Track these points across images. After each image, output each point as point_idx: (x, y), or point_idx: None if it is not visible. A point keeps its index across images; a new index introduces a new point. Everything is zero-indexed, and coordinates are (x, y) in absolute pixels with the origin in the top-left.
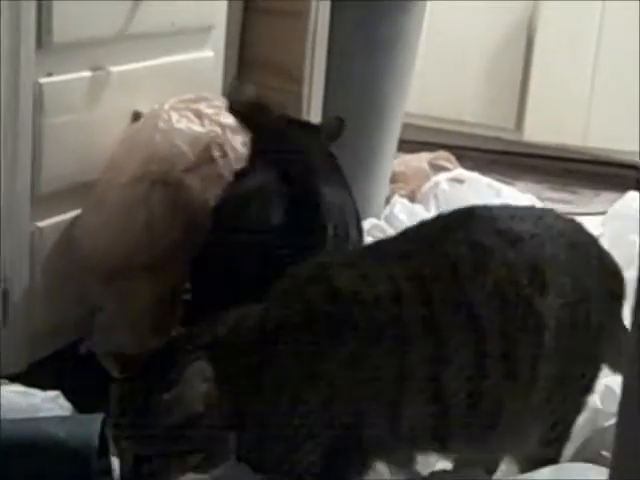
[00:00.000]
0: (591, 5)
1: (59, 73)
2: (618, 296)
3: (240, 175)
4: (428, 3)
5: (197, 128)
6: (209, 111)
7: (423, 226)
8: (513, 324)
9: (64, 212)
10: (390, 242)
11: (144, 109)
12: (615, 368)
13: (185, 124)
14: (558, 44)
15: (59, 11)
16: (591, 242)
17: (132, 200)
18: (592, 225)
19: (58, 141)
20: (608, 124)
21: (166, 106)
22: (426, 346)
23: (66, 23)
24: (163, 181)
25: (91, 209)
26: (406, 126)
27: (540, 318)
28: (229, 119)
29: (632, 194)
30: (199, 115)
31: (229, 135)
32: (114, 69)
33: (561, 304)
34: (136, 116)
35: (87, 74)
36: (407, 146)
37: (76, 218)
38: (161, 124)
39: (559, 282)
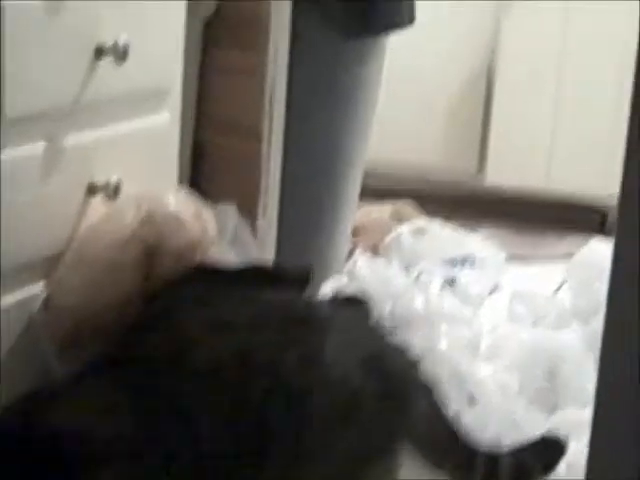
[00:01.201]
0: (551, 47)
1: (13, 147)
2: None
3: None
4: (387, 50)
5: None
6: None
7: None
8: None
9: (23, 288)
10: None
11: (101, 179)
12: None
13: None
14: (519, 86)
15: (11, 84)
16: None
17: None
18: (556, 271)
19: (14, 216)
20: (571, 166)
21: None
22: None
23: (18, 96)
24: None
25: (71, 269)
26: (368, 173)
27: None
28: None
29: (596, 241)
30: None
31: None
32: (69, 139)
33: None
34: (92, 188)
35: (41, 146)
36: (369, 193)
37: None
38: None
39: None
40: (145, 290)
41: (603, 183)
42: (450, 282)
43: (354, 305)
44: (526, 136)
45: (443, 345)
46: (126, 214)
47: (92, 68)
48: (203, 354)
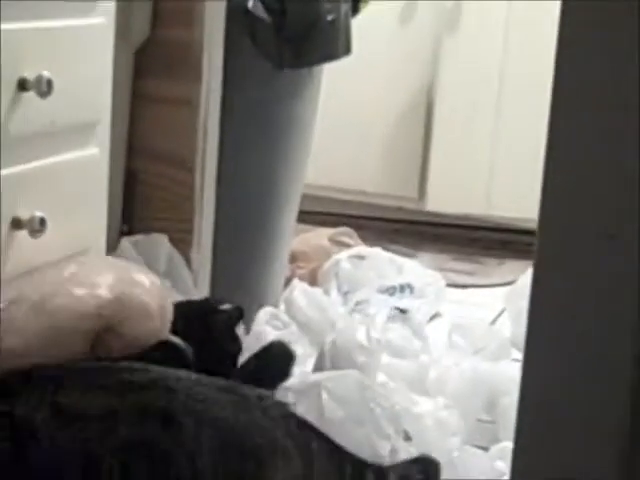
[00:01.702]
0: (490, 72)
1: None
2: None
3: None
4: (326, 73)
5: None
6: None
7: None
8: None
9: None
10: None
11: (25, 215)
12: None
13: None
14: (458, 112)
15: None
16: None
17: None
18: (497, 297)
19: None
20: (511, 192)
21: None
22: None
23: None
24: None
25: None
26: (307, 198)
27: None
28: None
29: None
30: None
31: None
32: None
33: None
34: (16, 223)
35: None
36: (308, 218)
37: None
38: None
39: None
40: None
41: None
42: (400, 311)
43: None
44: (466, 162)
45: (381, 378)
46: (98, 287)
47: (15, 102)
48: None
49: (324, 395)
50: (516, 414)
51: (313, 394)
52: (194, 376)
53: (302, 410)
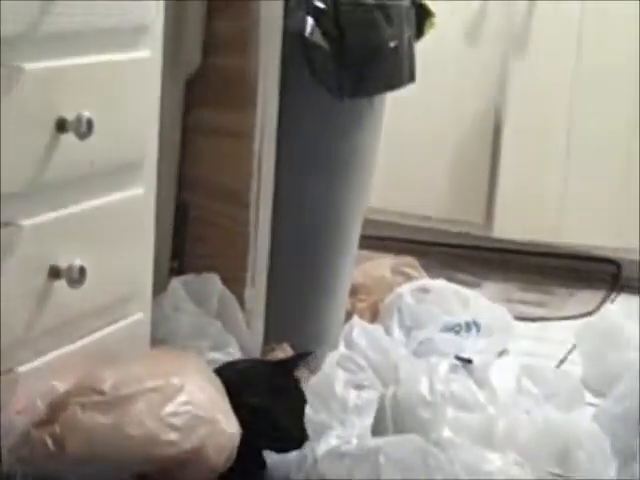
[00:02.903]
0: (560, 93)
1: None
2: None
3: None
4: (391, 98)
5: None
6: None
7: None
8: None
9: None
10: None
11: (63, 264)
12: None
13: None
14: (527, 134)
15: None
16: None
17: None
18: (566, 330)
19: None
20: (583, 218)
21: None
22: None
23: None
24: None
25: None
26: (368, 221)
27: None
28: None
29: (610, 306)
30: None
31: None
32: (26, 222)
33: None
34: (54, 272)
35: None
36: (369, 243)
37: None
38: None
39: None
40: None
41: (616, 235)
42: (464, 361)
43: None
44: (536, 186)
45: (446, 433)
46: (190, 430)
47: (53, 144)
48: None
49: (382, 460)
50: None
51: (371, 459)
52: None
53: (360, 477)
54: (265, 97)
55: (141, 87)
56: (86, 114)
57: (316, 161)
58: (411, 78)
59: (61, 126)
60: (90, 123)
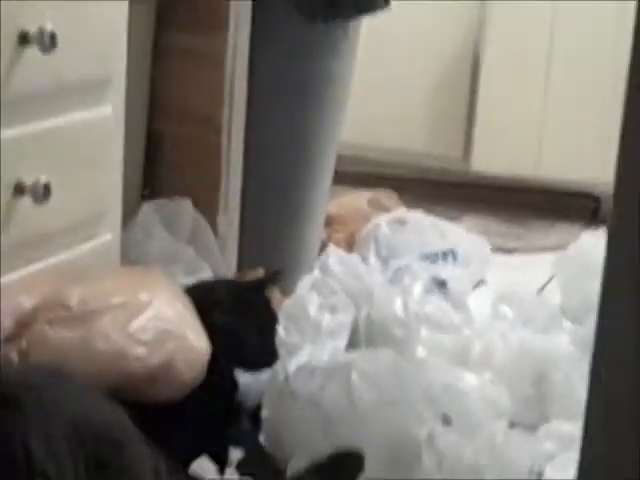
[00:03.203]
0: (540, 28)
1: None
2: None
3: None
4: (368, 31)
5: None
6: None
7: None
8: None
9: None
10: None
11: (29, 180)
12: None
13: None
14: (505, 70)
15: None
16: None
17: None
18: (545, 263)
19: None
20: (561, 152)
21: None
22: None
23: None
24: None
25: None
26: (346, 157)
27: None
28: None
29: (587, 234)
30: None
31: None
32: None
33: None
34: (19, 189)
35: None
36: (347, 179)
37: None
38: None
39: None
40: None
41: (595, 169)
42: (438, 283)
43: None
44: (514, 120)
45: (420, 353)
46: (159, 345)
47: (16, 58)
48: None
49: (354, 375)
50: (587, 396)
51: (343, 374)
52: None
53: (331, 392)
54: (237, 21)
55: (106, 2)
56: (49, 27)
57: (289, 87)
58: (386, 3)
59: (24, 39)
60: (53, 36)
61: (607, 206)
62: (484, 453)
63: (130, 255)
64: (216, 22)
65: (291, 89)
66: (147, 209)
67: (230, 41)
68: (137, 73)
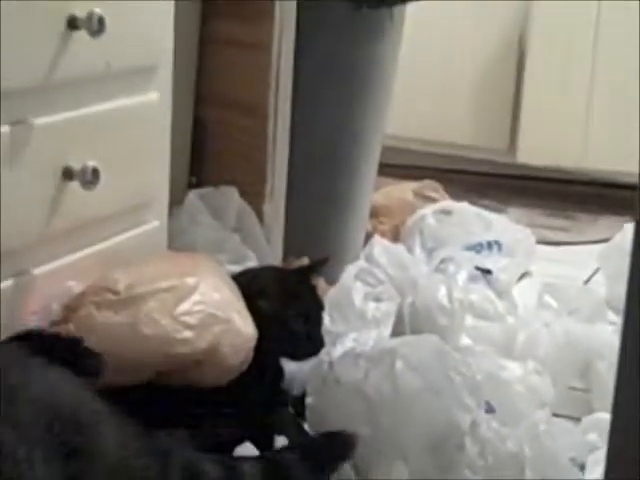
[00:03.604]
0: (585, 19)
1: None
2: None
3: None
4: (413, 20)
5: None
6: None
7: None
8: None
9: None
10: None
11: (76, 165)
12: None
13: None
14: (551, 61)
15: None
16: None
17: None
18: (590, 255)
19: None
20: (607, 144)
21: None
22: None
23: None
24: None
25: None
26: (391, 149)
27: None
28: None
29: (631, 226)
30: None
31: None
32: (38, 121)
33: None
34: (67, 173)
35: (6, 129)
36: (392, 171)
37: None
38: None
39: None
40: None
41: None
42: (483, 272)
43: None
44: (560, 112)
45: (465, 341)
46: (205, 329)
47: (65, 42)
48: None
49: (398, 363)
50: (614, 382)
51: (387, 361)
52: None
53: (375, 379)
54: (283, 8)
55: None
56: (97, 11)
57: (334, 74)
58: None
59: (72, 23)
60: (102, 21)
61: None
62: (526, 442)
63: (176, 243)
64: (262, 9)
65: (337, 75)
66: (193, 197)
67: (276, 28)
68: (183, 61)
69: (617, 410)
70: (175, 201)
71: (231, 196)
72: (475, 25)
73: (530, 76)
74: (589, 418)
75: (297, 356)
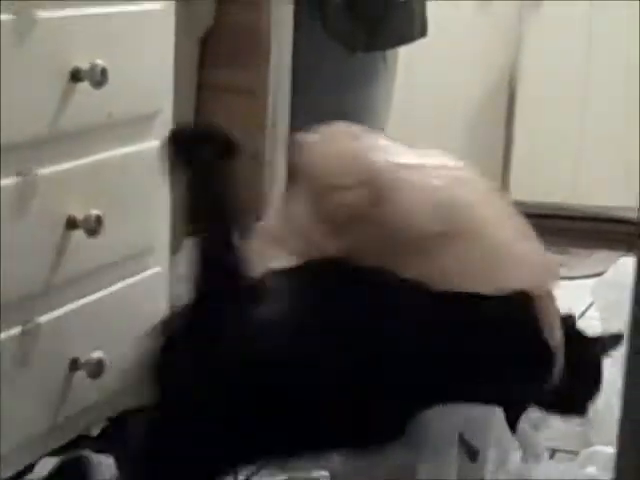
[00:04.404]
0: (575, 54)
1: None
2: None
3: None
4: (404, 61)
5: None
6: None
7: None
8: None
9: None
10: None
11: (80, 214)
12: None
13: None
14: (542, 97)
15: None
16: None
17: None
18: (585, 289)
19: None
20: (598, 179)
21: None
22: None
23: None
24: None
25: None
26: None
27: None
28: None
29: (625, 258)
30: None
31: None
32: (42, 171)
33: None
34: (71, 223)
35: (12, 181)
36: None
37: None
38: None
39: None
40: None
41: (635, 195)
42: None
43: None
44: (550, 149)
45: None
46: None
47: (68, 93)
48: None
49: None
50: (619, 418)
51: None
52: None
53: None
54: (278, 53)
55: (154, 39)
56: (100, 63)
57: (329, 115)
58: (423, 32)
59: (76, 75)
60: (104, 72)
61: None
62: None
63: (174, 289)
64: (257, 55)
65: (331, 118)
66: (190, 244)
67: (271, 73)
68: (182, 107)
69: (622, 441)
70: (173, 249)
71: None
72: (466, 66)
73: (521, 114)
74: (587, 452)
75: None
